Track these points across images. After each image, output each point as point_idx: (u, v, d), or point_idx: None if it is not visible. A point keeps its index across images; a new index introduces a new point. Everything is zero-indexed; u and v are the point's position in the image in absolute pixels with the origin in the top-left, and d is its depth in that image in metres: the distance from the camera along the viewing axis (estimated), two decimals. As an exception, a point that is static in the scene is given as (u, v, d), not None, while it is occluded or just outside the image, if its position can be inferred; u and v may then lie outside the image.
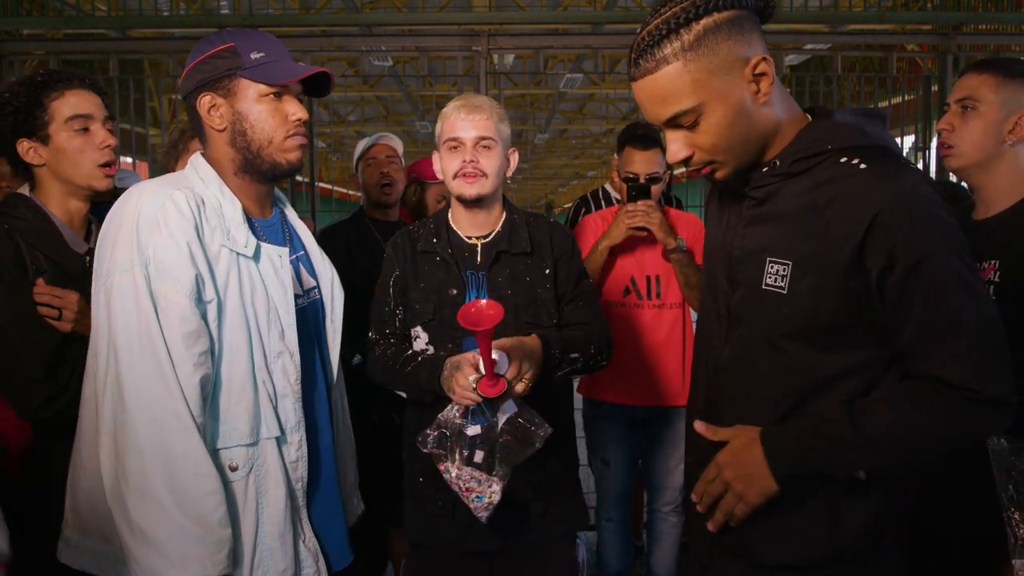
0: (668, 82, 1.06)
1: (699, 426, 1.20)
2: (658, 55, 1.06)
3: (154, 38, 4.03)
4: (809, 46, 4.46)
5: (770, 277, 1.12)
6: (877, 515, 1.15)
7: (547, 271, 1.72)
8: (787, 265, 1.10)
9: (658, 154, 2.45)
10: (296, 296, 1.40)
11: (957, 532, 1.46)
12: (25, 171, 1.59)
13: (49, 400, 1.45)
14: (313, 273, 1.52)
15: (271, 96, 1.34)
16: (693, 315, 2.65)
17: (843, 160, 1.09)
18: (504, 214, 1.74)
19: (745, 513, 1.13)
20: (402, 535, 2.55)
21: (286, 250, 1.39)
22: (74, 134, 1.55)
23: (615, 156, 2.61)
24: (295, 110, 1.36)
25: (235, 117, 1.34)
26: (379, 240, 2.54)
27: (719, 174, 1.15)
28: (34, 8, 4.02)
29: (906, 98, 4.15)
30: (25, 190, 1.60)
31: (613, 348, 1.73)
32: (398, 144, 2.70)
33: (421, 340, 1.69)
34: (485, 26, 3.43)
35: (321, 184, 9.27)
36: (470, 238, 1.72)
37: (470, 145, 1.64)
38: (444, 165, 1.69)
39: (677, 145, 1.13)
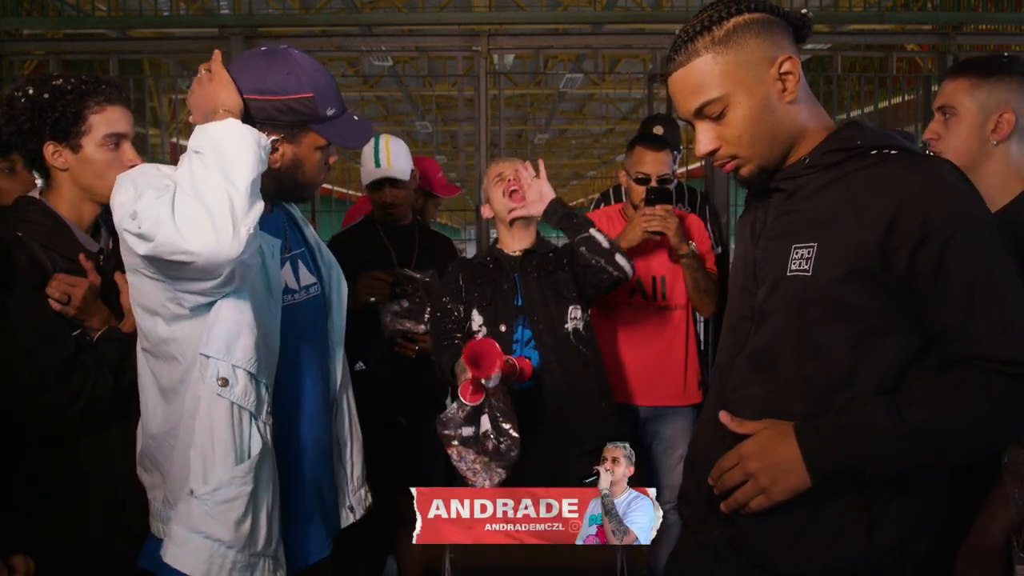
0: (698, 73, 1.13)
1: (724, 416, 1.17)
2: (690, 49, 1.13)
3: (154, 38, 4.03)
4: (809, 46, 4.46)
5: (795, 263, 1.12)
6: (912, 521, 1.11)
7: (563, 261, 2.08)
8: (812, 247, 1.10)
9: (668, 155, 2.48)
10: (293, 292, 1.44)
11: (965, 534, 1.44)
12: (31, 170, 1.60)
13: (61, 407, 1.46)
14: (315, 271, 1.53)
15: (322, 148, 1.41)
16: (697, 316, 2.68)
17: (874, 152, 1.11)
18: (537, 235, 2.15)
19: (762, 507, 1.10)
20: (408, 535, 2.55)
21: (278, 242, 1.42)
22: (106, 150, 1.55)
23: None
24: (332, 157, 1.46)
25: (294, 161, 1.39)
26: (390, 249, 2.50)
27: (744, 170, 1.17)
28: (34, 8, 4.01)
29: (906, 98, 4.15)
30: (36, 193, 1.60)
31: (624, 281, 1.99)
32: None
33: (476, 322, 2.03)
34: (485, 26, 3.43)
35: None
36: (514, 251, 2.11)
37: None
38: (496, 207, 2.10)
39: (705, 137, 1.16)
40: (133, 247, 1.16)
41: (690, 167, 5.39)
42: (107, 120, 1.55)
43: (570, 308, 2.04)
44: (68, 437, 1.52)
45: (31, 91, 1.52)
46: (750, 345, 1.19)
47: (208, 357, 1.24)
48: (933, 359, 1.09)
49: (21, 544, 1.46)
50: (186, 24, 4.43)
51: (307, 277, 1.51)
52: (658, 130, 2.80)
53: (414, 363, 2.42)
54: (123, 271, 1.63)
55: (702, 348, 2.83)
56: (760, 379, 1.17)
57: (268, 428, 1.32)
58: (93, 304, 1.53)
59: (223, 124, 1.20)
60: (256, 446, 1.28)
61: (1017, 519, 1.18)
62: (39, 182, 1.65)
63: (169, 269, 1.18)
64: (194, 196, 1.14)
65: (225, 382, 1.24)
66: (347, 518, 1.58)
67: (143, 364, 1.36)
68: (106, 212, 1.66)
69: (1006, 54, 1.61)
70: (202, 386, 1.25)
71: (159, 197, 1.15)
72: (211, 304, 1.25)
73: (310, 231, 1.59)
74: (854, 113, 4.02)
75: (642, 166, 2.46)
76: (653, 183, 2.43)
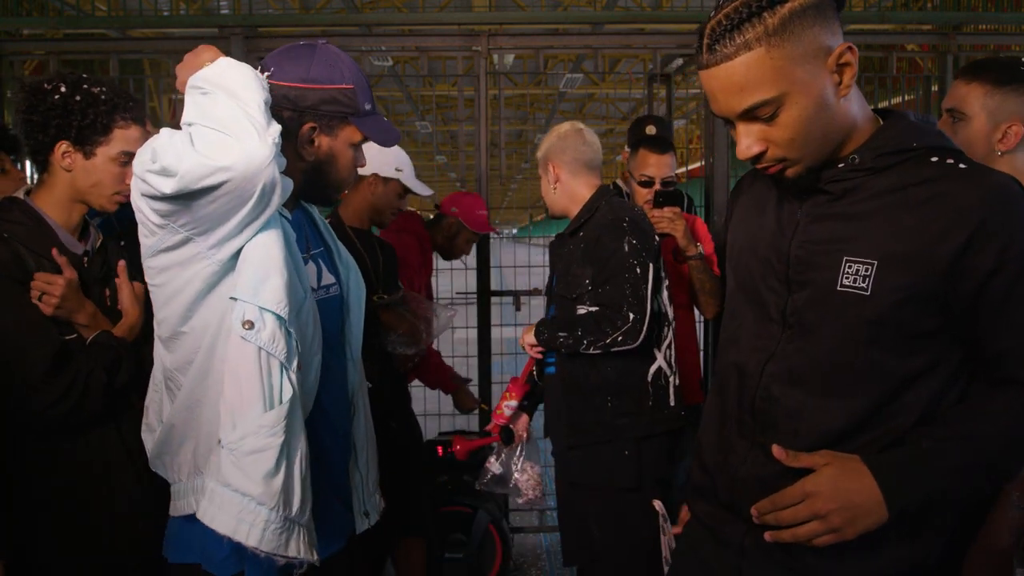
0: (748, 69, 0.98)
1: (777, 452, 1.10)
2: (738, 40, 0.98)
3: (154, 38, 4.03)
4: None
5: (848, 278, 1.05)
6: (938, 524, 1.10)
7: (581, 245, 2.07)
8: (871, 265, 1.03)
9: (672, 158, 2.50)
10: (311, 290, 1.42)
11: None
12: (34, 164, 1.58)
13: (51, 405, 1.45)
14: (334, 271, 1.53)
15: (355, 145, 1.41)
16: (697, 316, 2.69)
17: (935, 159, 1.04)
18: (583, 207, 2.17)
19: (828, 543, 1.05)
20: (409, 544, 2.54)
21: (293, 234, 1.38)
22: (117, 165, 1.55)
23: (626, 150, 2.64)
24: (363, 161, 1.45)
25: (328, 155, 1.38)
26: (359, 248, 2.48)
27: (790, 172, 1.08)
28: (34, 8, 4.01)
29: (906, 98, 4.15)
30: (21, 193, 1.59)
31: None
32: None
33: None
34: (485, 26, 3.42)
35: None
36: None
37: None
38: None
39: (750, 139, 1.05)
40: (159, 187, 1.10)
41: (690, 167, 5.38)
42: (128, 138, 1.55)
43: (578, 308, 2.08)
44: (61, 435, 1.52)
45: (63, 89, 1.51)
46: (785, 354, 1.13)
47: (235, 300, 1.19)
48: (965, 376, 1.08)
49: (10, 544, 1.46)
50: (186, 24, 4.43)
51: (327, 277, 1.50)
52: (650, 130, 2.81)
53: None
54: (112, 274, 1.64)
55: (703, 349, 2.83)
56: (799, 393, 1.11)
57: (298, 382, 1.26)
58: (74, 300, 1.51)
59: (214, 63, 1.18)
60: (287, 394, 1.22)
61: (1020, 523, 1.18)
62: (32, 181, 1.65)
63: (200, 207, 1.12)
64: (207, 122, 1.12)
65: (251, 325, 1.18)
66: (363, 523, 1.55)
67: (161, 351, 1.32)
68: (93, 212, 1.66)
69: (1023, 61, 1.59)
70: (231, 330, 1.20)
71: (174, 134, 1.13)
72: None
73: (328, 232, 1.58)
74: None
75: (646, 168, 2.47)
76: (657, 186, 2.44)
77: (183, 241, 1.18)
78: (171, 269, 1.22)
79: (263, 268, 1.20)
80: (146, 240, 1.22)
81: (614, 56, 9.17)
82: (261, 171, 1.11)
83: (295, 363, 1.24)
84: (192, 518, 1.25)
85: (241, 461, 1.17)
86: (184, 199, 1.11)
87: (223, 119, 1.11)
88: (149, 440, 1.37)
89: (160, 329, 1.30)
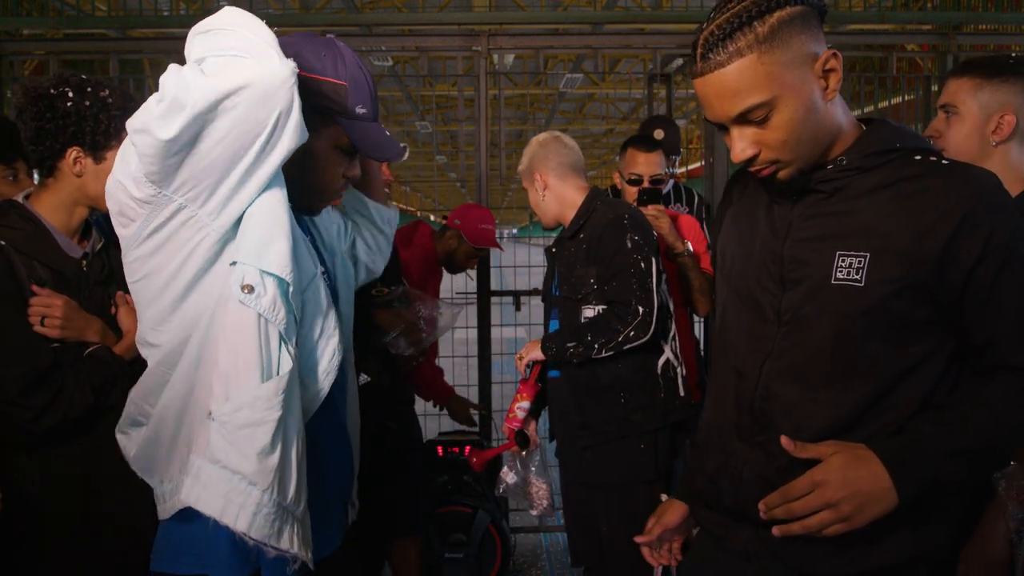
0: (740, 75, 1.04)
1: (786, 442, 1.10)
2: (731, 48, 1.03)
3: (154, 38, 4.03)
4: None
5: (841, 271, 1.08)
6: (954, 519, 1.12)
7: (583, 246, 2.09)
8: (863, 257, 1.07)
9: (660, 156, 2.50)
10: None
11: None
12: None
13: (29, 421, 1.43)
14: (321, 259, 1.39)
15: (344, 151, 1.28)
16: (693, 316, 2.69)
17: (918, 158, 1.09)
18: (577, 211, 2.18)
19: (838, 532, 1.06)
20: (405, 544, 2.54)
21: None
22: None
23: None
24: (354, 171, 1.32)
25: (306, 153, 1.19)
26: None
27: (783, 174, 1.12)
28: (34, 8, 4.01)
29: (906, 98, 4.15)
30: (19, 198, 1.57)
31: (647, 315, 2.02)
32: None
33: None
34: (485, 26, 3.42)
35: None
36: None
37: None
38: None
39: (744, 143, 1.09)
40: (163, 131, 0.98)
41: (689, 167, 5.38)
42: None
43: (584, 308, 2.09)
44: (54, 439, 1.50)
45: (72, 94, 1.48)
46: (781, 352, 1.15)
47: (235, 264, 1.09)
48: (958, 365, 1.10)
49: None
50: (186, 24, 4.40)
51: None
52: (658, 134, 2.82)
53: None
54: (114, 276, 1.61)
55: (700, 349, 2.83)
56: (798, 388, 1.13)
57: (302, 364, 1.17)
58: (79, 319, 1.50)
59: (219, 12, 1.07)
60: (286, 365, 1.11)
61: (1016, 532, 1.18)
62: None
63: (205, 152, 1.02)
64: (222, 52, 1.01)
65: (251, 289, 1.08)
66: (352, 514, 1.48)
67: (148, 353, 1.21)
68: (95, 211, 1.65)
69: (1013, 55, 1.62)
70: (230, 297, 1.09)
71: (181, 69, 1.02)
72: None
73: (323, 216, 1.45)
74: (854, 113, 4.01)
75: (634, 167, 2.49)
76: (646, 184, 2.45)
77: (176, 211, 1.07)
78: (162, 250, 1.10)
79: (268, 230, 1.10)
80: (126, 230, 1.11)
81: (614, 56, 9.18)
82: (279, 90, 1.01)
83: (294, 339, 1.14)
84: (186, 515, 1.14)
85: (233, 435, 1.07)
86: (188, 145, 1.01)
87: (238, 46, 1.02)
88: (128, 443, 1.27)
89: (144, 327, 1.18)
